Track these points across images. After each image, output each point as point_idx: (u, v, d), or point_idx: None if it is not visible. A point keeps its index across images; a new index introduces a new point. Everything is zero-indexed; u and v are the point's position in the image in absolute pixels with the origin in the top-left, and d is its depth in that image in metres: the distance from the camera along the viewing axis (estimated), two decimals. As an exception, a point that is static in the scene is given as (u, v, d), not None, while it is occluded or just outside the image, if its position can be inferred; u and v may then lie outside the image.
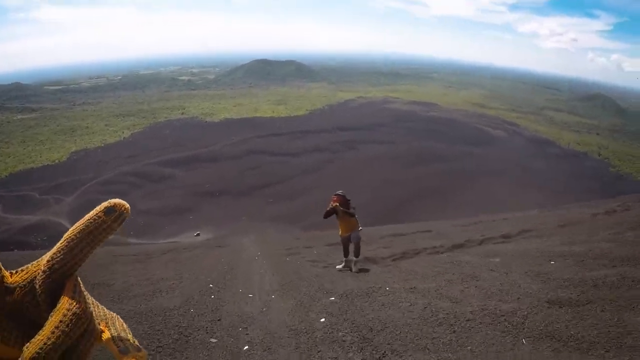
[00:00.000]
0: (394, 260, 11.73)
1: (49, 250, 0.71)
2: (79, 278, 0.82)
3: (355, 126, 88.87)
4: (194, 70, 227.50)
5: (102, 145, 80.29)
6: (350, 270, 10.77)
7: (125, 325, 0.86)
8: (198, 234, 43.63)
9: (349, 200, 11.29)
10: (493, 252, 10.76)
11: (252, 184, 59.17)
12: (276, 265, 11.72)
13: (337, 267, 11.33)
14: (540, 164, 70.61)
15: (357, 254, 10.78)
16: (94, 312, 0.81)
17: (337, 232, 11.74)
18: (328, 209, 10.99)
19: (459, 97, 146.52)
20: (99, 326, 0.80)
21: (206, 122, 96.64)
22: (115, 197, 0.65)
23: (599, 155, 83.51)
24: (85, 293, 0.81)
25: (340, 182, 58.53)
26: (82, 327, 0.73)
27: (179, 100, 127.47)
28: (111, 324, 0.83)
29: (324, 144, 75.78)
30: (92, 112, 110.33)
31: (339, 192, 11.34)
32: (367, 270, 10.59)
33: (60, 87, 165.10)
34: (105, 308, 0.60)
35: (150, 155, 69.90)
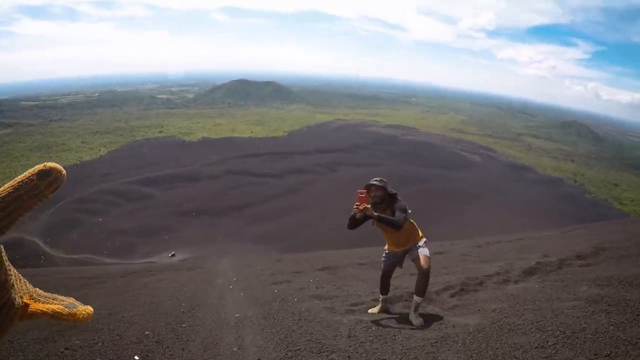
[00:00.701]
0: (453, 295, 7.30)
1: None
2: (1, 246, 0.75)
3: (334, 148, 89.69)
4: (173, 89, 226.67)
5: (78, 162, 79.26)
6: (408, 319, 5.89)
7: (55, 295, 0.79)
8: (173, 254, 43.23)
9: (394, 193, 6.30)
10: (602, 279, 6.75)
11: (231, 204, 59.00)
12: (260, 304, 7.46)
13: (370, 310, 6.62)
14: (518, 188, 71.98)
15: (422, 291, 5.82)
16: (16, 286, 0.75)
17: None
18: (354, 212, 5.90)
19: (437, 122, 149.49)
20: (21, 300, 0.74)
21: (184, 141, 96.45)
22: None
23: (575, 182, 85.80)
24: (7, 264, 0.74)
25: (321, 203, 58.88)
26: (2, 298, 0.68)
27: (157, 118, 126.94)
28: (37, 296, 0.77)
29: (304, 166, 76.23)
30: (69, 129, 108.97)
31: (375, 180, 6.27)
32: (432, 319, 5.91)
33: (36, 103, 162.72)
34: (28, 282, 0.82)
35: (127, 174, 69.23)
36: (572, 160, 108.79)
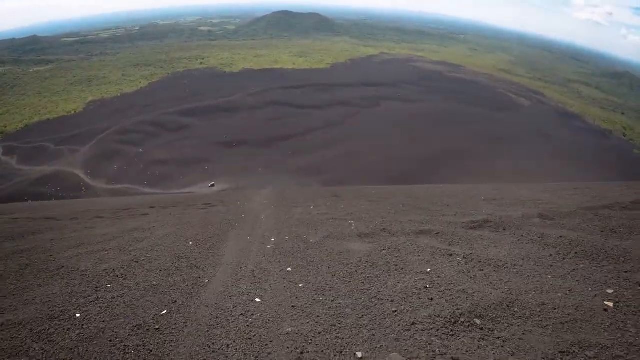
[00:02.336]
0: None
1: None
2: None
3: (379, 82, 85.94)
4: (214, 21, 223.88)
5: (119, 95, 78.99)
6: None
7: None
8: (213, 185, 42.09)
9: None
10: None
11: (272, 136, 57.07)
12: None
13: None
14: (564, 136, 66.79)
15: None
16: None
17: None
18: None
19: (484, 61, 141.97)
20: None
21: (225, 72, 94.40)
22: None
23: (624, 135, 79.14)
24: None
25: (363, 137, 56.48)
26: None
27: (198, 50, 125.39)
28: None
29: (347, 98, 73.16)
30: (109, 63, 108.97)
31: None
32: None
33: (77, 39, 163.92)
34: None
35: (167, 105, 68.08)
36: (623, 113, 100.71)
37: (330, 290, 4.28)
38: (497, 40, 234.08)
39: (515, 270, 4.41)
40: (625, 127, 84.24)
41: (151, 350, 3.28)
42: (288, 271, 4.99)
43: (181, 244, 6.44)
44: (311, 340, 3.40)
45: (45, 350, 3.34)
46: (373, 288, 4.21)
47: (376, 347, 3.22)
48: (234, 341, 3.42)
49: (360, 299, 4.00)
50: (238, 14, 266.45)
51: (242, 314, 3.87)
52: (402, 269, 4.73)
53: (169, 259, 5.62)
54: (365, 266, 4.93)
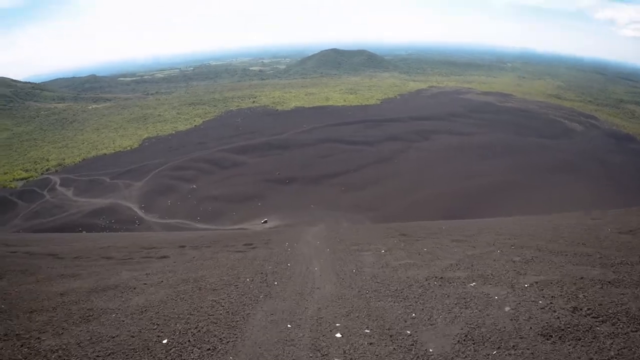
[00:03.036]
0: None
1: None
2: None
3: (429, 116, 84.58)
4: (265, 61, 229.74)
5: (174, 132, 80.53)
6: None
7: None
8: (265, 221, 41.32)
9: None
10: None
11: (323, 172, 56.31)
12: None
13: None
14: (620, 160, 63.25)
15: None
16: None
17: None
18: None
19: (533, 88, 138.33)
20: None
21: (277, 110, 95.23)
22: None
23: None
24: None
25: (414, 172, 55.16)
26: None
27: (250, 89, 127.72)
28: None
29: (397, 133, 72.00)
30: (165, 101, 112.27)
31: None
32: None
33: (134, 79, 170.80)
34: None
35: (221, 142, 68.85)
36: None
37: None
38: (545, 66, 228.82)
39: None
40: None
41: None
42: None
43: (152, 335, 4.17)
44: None
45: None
46: None
47: None
48: None
49: None
50: (288, 53, 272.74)
51: None
52: None
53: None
54: None
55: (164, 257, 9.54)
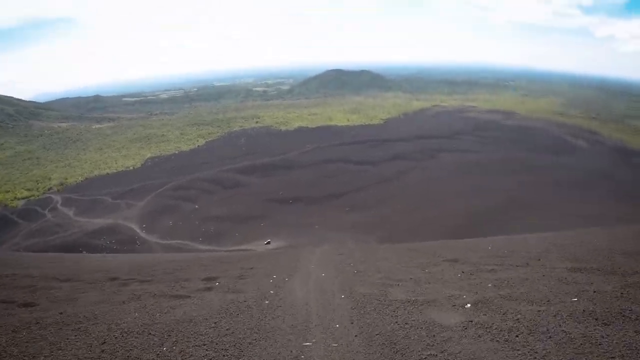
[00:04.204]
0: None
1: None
2: None
3: (433, 134, 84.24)
4: (269, 82, 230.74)
5: (177, 152, 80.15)
6: None
7: None
8: (269, 242, 40.62)
9: None
10: None
11: (328, 192, 55.67)
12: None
13: None
14: (627, 175, 62.69)
15: None
16: None
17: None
18: None
19: (537, 105, 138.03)
20: None
21: (281, 130, 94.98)
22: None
23: None
24: None
25: (420, 191, 54.55)
26: None
27: (254, 110, 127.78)
28: None
29: (402, 152, 71.55)
30: (168, 122, 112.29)
31: None
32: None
33: (138, 99, 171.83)
34: None
35: (224, 163, 68.43)
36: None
37: None
38: (547, 84, 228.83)
39: None
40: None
41: None
42: None
43: None
44: None
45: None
46: None
47: None
48: None
49: None
50: (291, 74, 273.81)
51: None
52: None
53: None
54: None
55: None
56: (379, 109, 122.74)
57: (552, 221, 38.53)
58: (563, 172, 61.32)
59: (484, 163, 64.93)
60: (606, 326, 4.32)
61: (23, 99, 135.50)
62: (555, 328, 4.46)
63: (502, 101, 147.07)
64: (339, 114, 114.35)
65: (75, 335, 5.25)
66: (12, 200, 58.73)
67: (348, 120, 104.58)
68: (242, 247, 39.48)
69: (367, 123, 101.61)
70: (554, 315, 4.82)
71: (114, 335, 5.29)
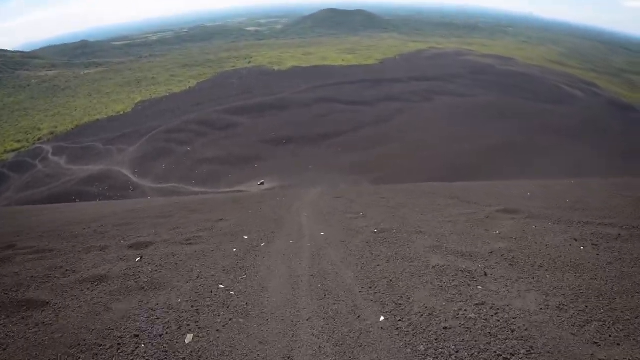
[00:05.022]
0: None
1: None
2: None
3: (429, 76, 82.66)
4: (262, 21, 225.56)
5: (168, 94, 78.89)
6: None
7: None
8: (262, 183, 40.35)
9: None
10: None
11: (321, 133, 54.72)
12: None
13: None
14: (620, 128, 61.64)
15: None
16: None
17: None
18: None
19: (535, 53, 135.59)
20: None
21: (274, 70, 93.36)
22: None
23: None
24: None
25: (415, 133, 53.73)
26: None
27: (246, 50, 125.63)
28: None
29: (397, 94, 70.26)
30: (158, 64, 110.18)
31: None
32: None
33: (126, 42, 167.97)
34: None
35: (216, 104, 67.32)
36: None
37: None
38: (547, 32, 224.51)
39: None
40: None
41: None
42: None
43: None
44: None
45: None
46: None
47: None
48: None
49: None
50: (285, 13, 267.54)
51: None
52: None
53: None
54: None
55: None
56: (374, 50, 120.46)
57: (547, 167, 38.41)
58: (558, 120, 60.40)
59: (478, 107, 63.67)
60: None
61: (9, 49, 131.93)
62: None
63: (500, 47, 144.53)
64: (334, 54, 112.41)
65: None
66: (2, 153, 57.85)
67: (343, 60, 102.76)
68: (236, 188, 39.26)
69: (362, 63, 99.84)
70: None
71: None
